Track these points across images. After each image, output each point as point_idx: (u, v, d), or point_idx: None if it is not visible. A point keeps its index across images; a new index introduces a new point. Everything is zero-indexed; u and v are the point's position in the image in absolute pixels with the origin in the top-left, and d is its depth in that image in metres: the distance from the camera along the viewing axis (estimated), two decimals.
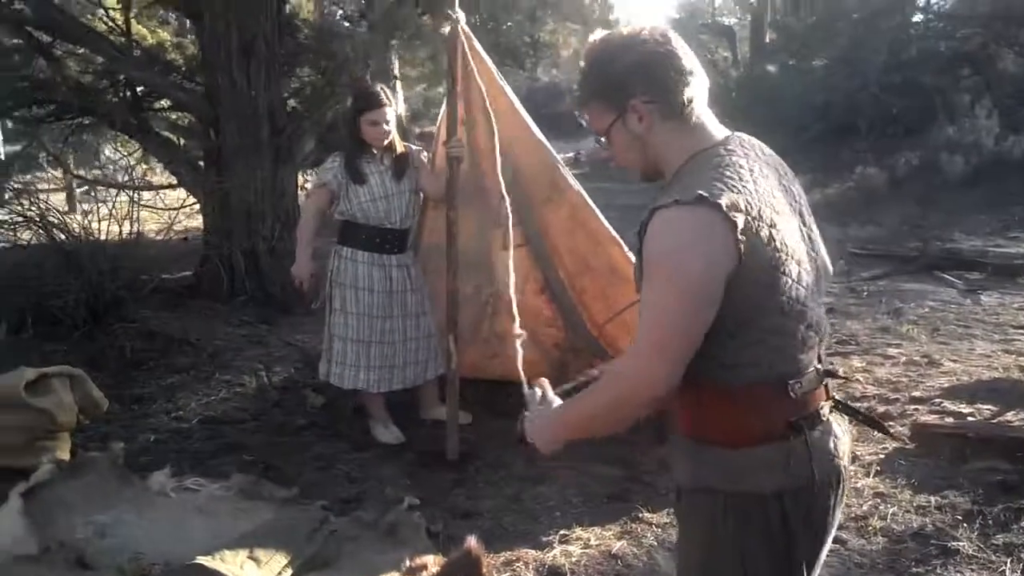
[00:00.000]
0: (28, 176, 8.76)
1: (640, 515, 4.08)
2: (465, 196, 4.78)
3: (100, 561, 3.75)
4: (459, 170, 4.69)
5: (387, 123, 4.78)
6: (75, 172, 9.08)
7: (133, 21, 9.31)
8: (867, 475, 4.35)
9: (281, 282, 7.68)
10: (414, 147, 5.11)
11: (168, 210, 8.27)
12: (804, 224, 1.95)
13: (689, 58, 1.92)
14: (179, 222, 8.67)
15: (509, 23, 12.84)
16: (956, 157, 13.04)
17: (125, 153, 11.01)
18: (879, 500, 4.12)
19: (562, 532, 3.96)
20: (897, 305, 7.56)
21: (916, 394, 5.42)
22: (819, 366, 1.94)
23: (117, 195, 7.26)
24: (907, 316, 7.19)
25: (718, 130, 1.97)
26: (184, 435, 5.14)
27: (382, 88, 4.93)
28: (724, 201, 1.74)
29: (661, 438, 4.86)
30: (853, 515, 3.97)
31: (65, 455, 4.65)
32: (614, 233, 4.86)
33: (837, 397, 2.02)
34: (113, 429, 5.14)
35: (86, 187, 10.96)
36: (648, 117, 1.92)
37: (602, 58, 1.97)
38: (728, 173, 1.83)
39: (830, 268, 2.06)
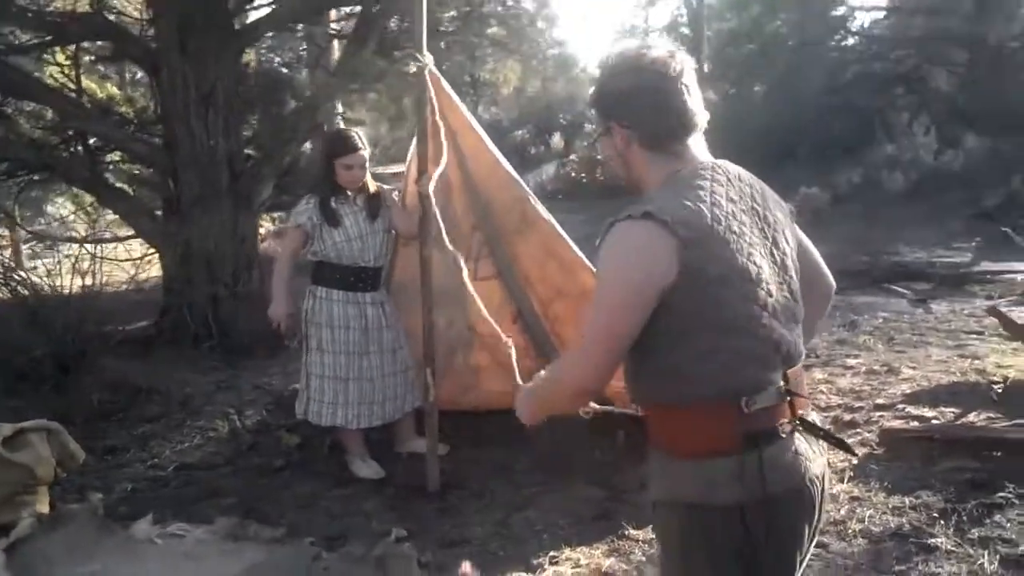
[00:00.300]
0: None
1: (626, 532, 4.15)
2: (435, 232, 4.84)
3: None
4: (431, 207, 4.75)
5: (362, 167, 4.85)
6: (28, 229, 8.99)
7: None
8: (841, 480, 4.46)
9: (245, 327, 7.71)
10: (386, 187, 5.16)
11: (131, 261, 8.24)
12: (778, 249, 2.04)
13: (682, 93, 2.00)
14: (135, 272, 8.63)
15: (447, 63, 13.01)
16: (896, 174, 13.44)
17: (74, 209, 10.99)
18: (855, 504, 4.23)
19: (551, 553, 4.01)
20: (852, 318, 7.76)
21: (879, 401, 5.57)
22: (782, 384, 1.98)
23: (79, 249, 7.21)
24: (862, 328, 7.38)
25: (701, 155, 2.06)
26: (161, 483, 5.12)
27: (356, 132, 5.01)
28: (669, 217, 1.86)
29: (641, 457, 4.96)
30: (832, 519, 4.07)
31: (44, 508, 4.61)
32: (585, 260, 4.94)
33: (805, 418, 2.03)
34: (89, 480, 5.10)
35: (32, 242, 10.87)
36: (625, 140, 2.05)
37: (603, 75, 2.10)
38: (688, 193, 1.93)
39: (830, 284, 2.30)
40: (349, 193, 4.92)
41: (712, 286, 1.88)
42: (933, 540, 3.80)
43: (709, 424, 1.95)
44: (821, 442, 2.08)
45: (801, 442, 2.00)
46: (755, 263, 1.95)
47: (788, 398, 1.99)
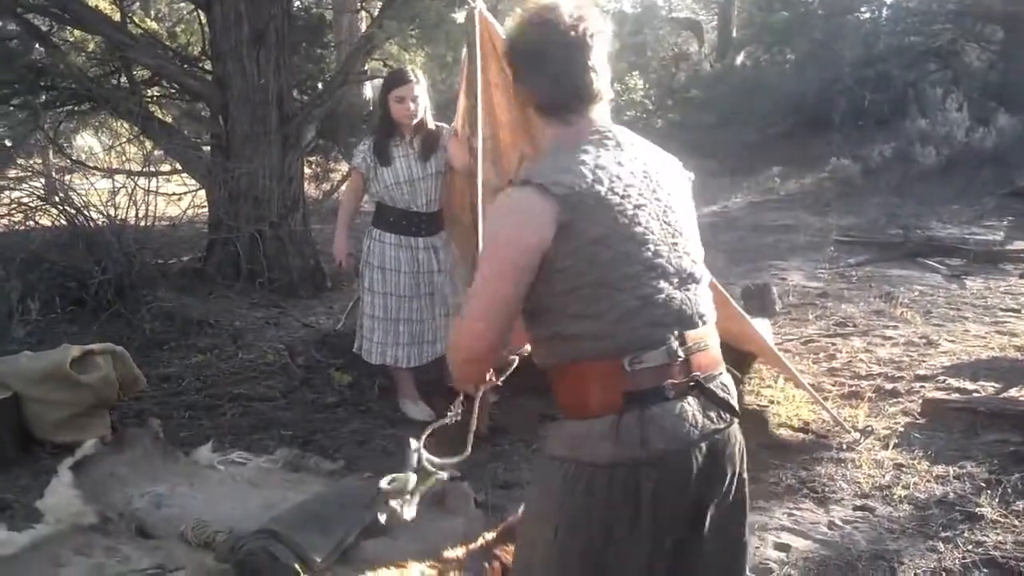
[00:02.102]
0: (35, 160, 8.76)
1: None
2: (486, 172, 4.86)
3: (161, 530, 3.85)
4: (477, 164, 4.69)
5: (413, 100, 4.82)
6: (73, 159, 9.06)
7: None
8: (884, 447, 4.55)
9: (290, 265, 7.83)
10: (445, 126, 5.11)
11: (183, 194, 8.34)
12: (673, 212, 2.06)
13: (585, 61, 2.00)
14: (178, 207, 8.74)
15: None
16: (929, 148, 13.38)
17: (111, 141, 11.04)
18: (899, 471, 4.31)
19: None
20: (888, 289, 7.81)
21: (920, 372, 5.64)
22: (675, 346, 1.96)
23: (126, 179, 7.30)
24: (899, 300, 7.43)
25: (599, 121, 2.07)
26: (218, 412, 5.25)
27: (411, 67, 5.08)
28: (546, 180, 1.91)
29: None
30: (877, 484, 4.18)
31: (105, 431, 4.75)
32: None
33: (703, 382, 2.01)
34: (147, 406, 5.25)
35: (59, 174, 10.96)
36: (526, 103, 2.09)
37: (513, 31, 2.10)
38: (571, 158, 1.97)
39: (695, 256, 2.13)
40: (405, 135, 4.93)
41: (591, 246, 1.91)
42: (979, 509, 3.88)
43: (591, 383, 1.96)
44: (727, 411, 2.06)
45: (693, 406, 1.98)
46: (641, 224, 1.98)
47: (681, 359, 1.97)
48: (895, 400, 5.22)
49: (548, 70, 2.01)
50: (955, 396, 5.12)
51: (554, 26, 1.98)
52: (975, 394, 5.18)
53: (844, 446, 4.60)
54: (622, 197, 1.97)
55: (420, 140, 4.95)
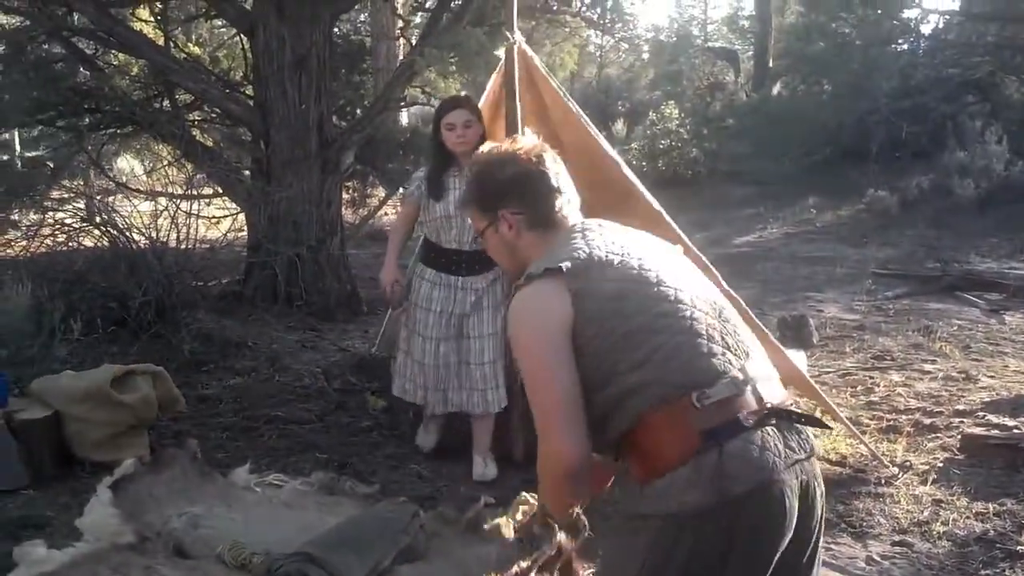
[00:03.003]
0: (78, 182, 8.91)
1: None
2: None
3: (198, 550, 3.87)
4: None
5: (466, 126, 4.57)
6: (118, 181, 9.21)
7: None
8: (923, 483, 4.52)
9: (327, 289, 7.89)
10: None
11: (225, 217, 8.45)
12: (673, 260, 2.15)
13: (558, 176, 2.21)
14: (217, 230, 8.84)
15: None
16: (967, 181, 13.29)
17: (150, 164, 11.20)
18: (938, 507, 4.28)
19: None
20: (926, 323, 7.76)
21: (959, 407, 5.60)
22: (737, 375, 1.93)
23: (168, 202, 7.40)
24: (937, 334, 7.38)
25: (576, 220, 2.24)
26: (255, 434, 5.27)
27: (465, 94, 5.02)
28: (548, 265, 2.00)
29: None
30: (915, 520, 4.15)
31: (144, 450, 4.79)
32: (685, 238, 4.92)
33: (780, 410, 1.97)
34: (184, 427, 5.28)
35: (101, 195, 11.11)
36: (515, 226, 2.18)
37: (483, 171, 2.24)
38: (565, 245, 2.09)
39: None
40: (464, 167, 4.55)
41: (612, 301, 1.95)
42: (1020, 548, 3.84)
43: (662, 434, 1.90)
44: (806, 442, 2.00)
45: (774, 436, 1.92)
46: (651, 271, 2.02)
47: (749, 387, 1.93)
48: (934, 435, 5.18)
49: (535, 186, 2.18)
50: (995, 432, 5.05)
51: (524, 153, 2.21)
52: (1015, 430, 5.11)
53: (882, 481, 4.57)
54: (623, 255, 2.05)
55: None
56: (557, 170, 2.21)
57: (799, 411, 2.02)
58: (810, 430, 2.06)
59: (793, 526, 1.94)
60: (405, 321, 4.86)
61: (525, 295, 2.02)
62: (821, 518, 2.06)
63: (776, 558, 1.94)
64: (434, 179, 4.71)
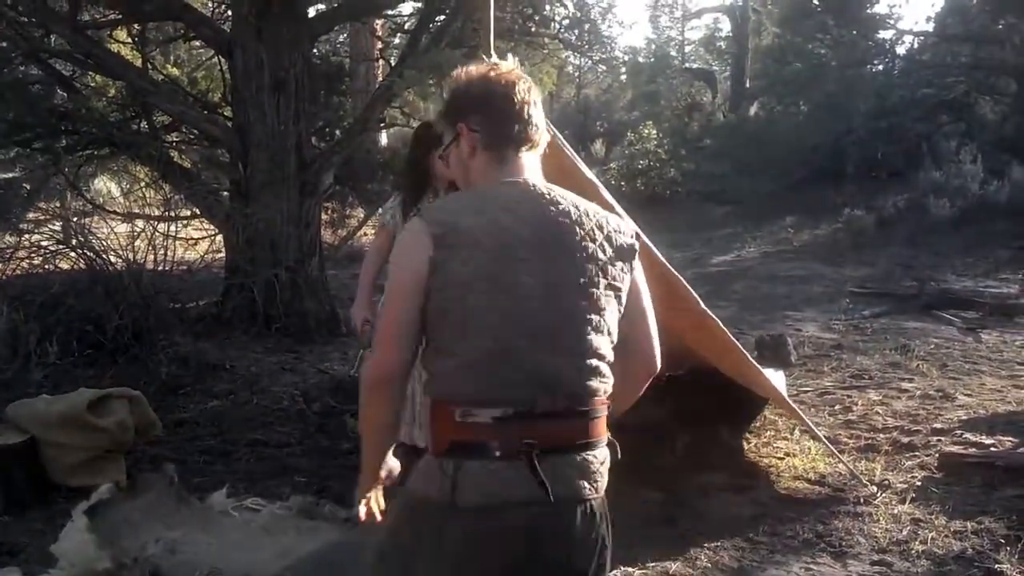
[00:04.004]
0: (55, 204, 8.87)
1: (690, 537, 4.24)
2: None
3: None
4: None
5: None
6: (95, 204, 9.16)
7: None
8: (902, 502, 4.52)
9: (305, 311, 7.87)
10: None
11: (203, 239, 8.42)
12: (568, 277, 2.01)
13: (524, 106, 2.10)
14: (194, 252, 8.81)
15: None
16: (943, 200, 13.41)
17: (127, 186, 11.16)
18: (917, 526, 4.28)
19: (618, 552, 4.09)
20: (903, 342, 7.80)
21: (936, 426, 5.62)
22: (513, 411, 1.93)
23: (145, 224, 7.38)
24: (915, 352, 7.42)
25: (528, 171, 2.11)
26: (233, 457, 5.24)
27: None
28: (431, 218, 2.01)
29: (701, 464, 5.07)
30: (894, 539, 4.15)
31: (120, 475, 4.75)
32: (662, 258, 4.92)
33: (544, 452, 1.93)
34: (162, 451, 5.23)
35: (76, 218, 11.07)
36: (472, 145, 2.11)
37: (457, 84, 2.19)
38: (474, 200, 2.07)
39: (647, 362, 2.21)
40: (441, 192, 4.49)
41: (459, 288, 1.94)
42: (998, 566, 3.85)
43: (433, 422, 2.00)
44: (569, 489, 1.98)
45: (519, 472, 1.91)
46: (522, 280, 1.96)
47: (519, 423, 1.93)
48: (912, 454, 5.20)
49: (498, 106, 2.09)
50: (972, 450, 5.09)
51: (498, 75, 2.12)
52: (992, 449, 5.15)
53: (861, 500, 4.58)
54: (510, 247, 1.97)
55: None
56: (526, 99, 2.11)
57: (561, 470, 1.97)
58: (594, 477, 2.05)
59: (515, 563, 1.97)
60: None
61: (409, 230, 2.05)
62: (566, 567, 2.03)
63: None
64: (411, 204, 4.53)
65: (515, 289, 1.95)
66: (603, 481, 2.09)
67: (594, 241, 2.05)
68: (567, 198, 2.09)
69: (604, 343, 2.05)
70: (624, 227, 2.16)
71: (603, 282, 2.05)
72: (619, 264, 2.09)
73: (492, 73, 2.14)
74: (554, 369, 1.97)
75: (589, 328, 2.02)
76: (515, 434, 1.93)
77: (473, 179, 2.14)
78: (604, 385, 2.06)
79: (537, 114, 2.13)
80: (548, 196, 2.06)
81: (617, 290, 2.08)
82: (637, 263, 2.15)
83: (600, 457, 2.07)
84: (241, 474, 4.97)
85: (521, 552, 1.97)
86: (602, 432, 2.09)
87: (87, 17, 8.89)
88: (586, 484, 2.02)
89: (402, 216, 4.57)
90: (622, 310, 2.11)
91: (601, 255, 2.06)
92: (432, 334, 1.99)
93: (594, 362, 2.03)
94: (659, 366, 2.26)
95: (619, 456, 2.13)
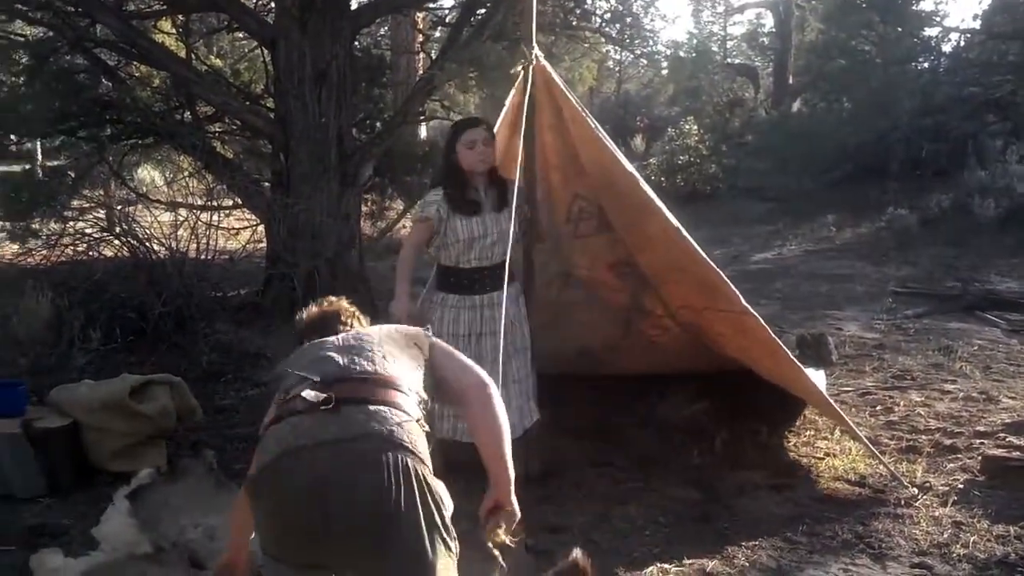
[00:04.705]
0: (99, 192, 8.96)
1: (727, 536, 4.22)
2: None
3: (213, 561, 3.89)
4: (536, 212, 4.77)
5: (485, 143, 4.48)
6: (138, 192, 9.27)
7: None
8: (943, 504, 4.47)
9: None
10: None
11: (245, 228, 8.50)
12: (355, 343, 2.63)
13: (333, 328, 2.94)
14: (236, 241, 8.88)
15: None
16: (988, 200, 13.19)
17: (169, 175, 11.26)
18: (958, 529, 4.23)
19: (654, 550, 4.09)
20: (946, 343, 7.70)
21: (979, 428, 5.54)
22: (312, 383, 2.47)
23: (188, 213, 7.44)
24: (958, 354, 7.32)
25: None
26: None
27: (478, 116, 4.98)
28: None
29: (738, 462, 5.04)
30: (935, 542, 4.10)
31: (161, 461, 4.81)
32: (703, 253, 4.85)
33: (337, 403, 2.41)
34: (202, 437, 5.29)
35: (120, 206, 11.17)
36: None
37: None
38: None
39: (474, 382, 2.68)
40: (479, 187, 4.57)
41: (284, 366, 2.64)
42: None
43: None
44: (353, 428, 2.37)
45: (314, 418, 2.37)
46: (323, 344, 2.64)
47: (317, 386, 2.43)
48: (954, 456, 5.13)
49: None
50: (1016, 454, 5.00)
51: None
52: None
53: (902, 502, 4.53)
54: (315, 344, 2.68)
55: (494, 192, 4.58)
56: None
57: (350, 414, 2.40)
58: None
59: (312, 501, 2.30)
60: None
61: None
62: (374, 500, 2.30)
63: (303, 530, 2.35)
64: (457, 198, 4.56)
65: (322, 346, 2.67)
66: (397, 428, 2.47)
67: (382, 337, 2.70)
68: (359, 332, 2.82)
69: (384, 369, 2.60)
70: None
71: (377, 346, 2.69)
72: (404, 343, 2.77)
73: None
74: (333, 368, 2.57)
75: (364, 348, 2.65)
76: (315, 396, 2.43)
77: None
78: (370, 371, 2.60)
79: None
80: (352, 334, 2.78)
81: (399, 352, 2.71)
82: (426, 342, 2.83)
83: (392, 415, 2.45)
84: None
85: (320, 484, 2.35)
86: (390, 399, 2.52)
87: (132, 7, 8.99)
88: (377, 426, 2.40)
89: (448, 209, 4.55)
90: None
91: (386, 341, 2.71)
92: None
93: (362, 365, 2.62)
94: None
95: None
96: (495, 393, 2.65)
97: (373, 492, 2.28)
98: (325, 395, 2.39)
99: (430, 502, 2.35)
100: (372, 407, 2.40)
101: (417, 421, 2.47)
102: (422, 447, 2.42)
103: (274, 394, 2.59)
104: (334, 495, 2.28)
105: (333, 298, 3.06)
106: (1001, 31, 17.32)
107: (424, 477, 2.36)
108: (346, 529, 2.29)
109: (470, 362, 2.77)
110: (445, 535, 2.40)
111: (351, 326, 2.92)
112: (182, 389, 5.00)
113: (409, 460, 2.34)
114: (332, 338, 2.70)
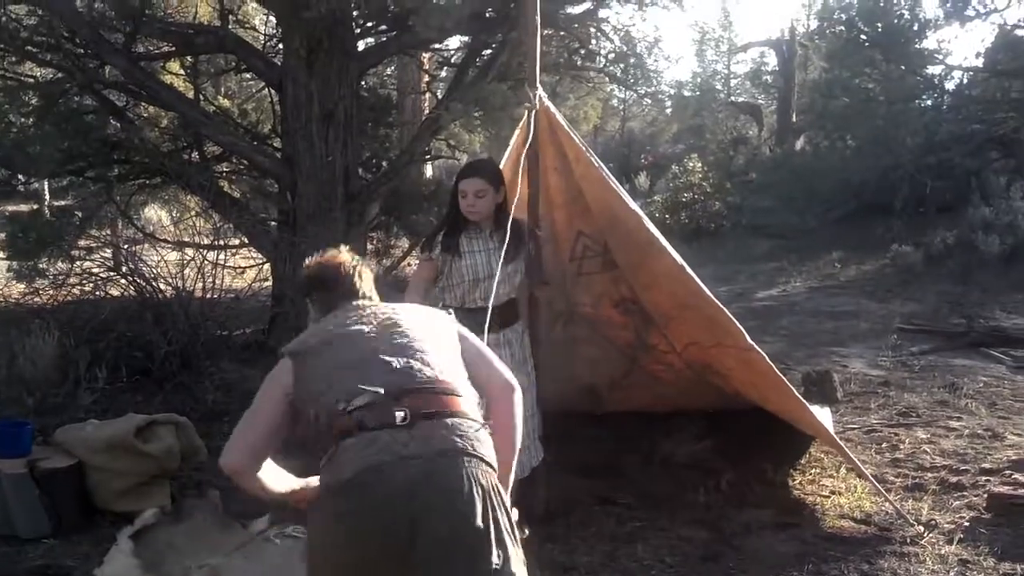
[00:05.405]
0: (106, 231, 9.02)
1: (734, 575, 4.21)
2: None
3: None
4: (540, 248, 4.71)
5: (477, 195, 4.37)
6: (145, 232, 9.32)
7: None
8: (949, 542, 4.46)
9: None
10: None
11: (251, 267, 8.53)
12: (395, 332, 2.63)
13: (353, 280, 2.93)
14: (242, 280, 8.92)
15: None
16: (992, 237, 13.21)
17: (176, 215, 11.32)
18: (964, 567, 4.22)
19: None
20: (951, 380, 7.68)
21: (985, 465, 5.52)
22: (381, 390, 2.45)
23: (195, 252, 7.48)
24: (963, 390, 7.31)
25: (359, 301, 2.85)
26: None
27: (486, 160, 4.97)
28: (287, 348, 2.71)
29: (745, 501, 5.03)
30: None
31: (165, 501, 4.81)
32: (708, 291, 4.86)
33: (413, 418, 2.43)
34: (206, 477, 5.27)
35: (127, 246, 11.20)
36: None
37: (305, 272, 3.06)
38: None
39: (502, 385, 2.70)
40: (484, 229, 4.49)
41: (320, 346, 2.63)
42: None
43: (316, 430, 2.52)
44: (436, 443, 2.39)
45: (392, 436, 2.37)
46: (360, 336, 2.60)
47: (386, 396, 2.42)
48: (960, 494, 5.12)
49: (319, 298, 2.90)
50: (1022, 491, 4.99)
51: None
52: None
53: (907, 540, 4.51)
54: (346, 325, 2.66)
55: (503, 235, 4.26)
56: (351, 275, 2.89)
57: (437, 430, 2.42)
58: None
59: (401, 516, 2.30)
60: None
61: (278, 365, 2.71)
62: (457, 516, 2.32)
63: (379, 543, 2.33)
64: (448, 241, 4.52)
65: (360, 336, 2.62)
66: (473, 442, 2.50)
67: (415, 317, 2.75)
68: (385, 309, 2.78)
69: (439, 362, 2.63)
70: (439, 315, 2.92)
71: (430, 331, 2.73)
72: (440, 326, 2.82)
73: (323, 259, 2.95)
74: (395, 370, 2.57)
75: (418, 349, 2.62)
76: (388, 407, 2.44)
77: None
78: (439, 378, 2.59)
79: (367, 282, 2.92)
80: (374, 305, 2.81)
81: (439, 334, 2.76)
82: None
83: (467, 426, 2.49)
84: (283, 501, 4.96)
85: (408, 498, 2.36)
86: (460, 410, 2.54)
87: (141, 49, 9.09)
88: (458, 440, 2.43)
89: (446, 250, 4.50)
90: None
91: (423, 323, 2.76)
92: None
93: (423, 368, 2.59)
94: None
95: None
96: (519, 399, 2.68)
97: (460, 507, 2.31)
98: (402, 412, 2.38)
99: (505, 511, 2.40)
100: (447, 420, 2.41)
101: (483, 425, 2.50)
102: (492, 455, 2.47)
103: (305, 388, 2.56)
104: (420, 510, 2.29)
105: (334, 250, 3.02)
106: (1004, 68, 17.37)
107: (498, 488, 2.41)
108: (431, 543, 2.29)
109: (498, 360, 2.78)
110: (515, 539, 2.43)
111: (357, 280, 2.87)
112: (187, 429, 5.01)
113: (487, 473, 2.39)
114: (363, 326, 2.64)
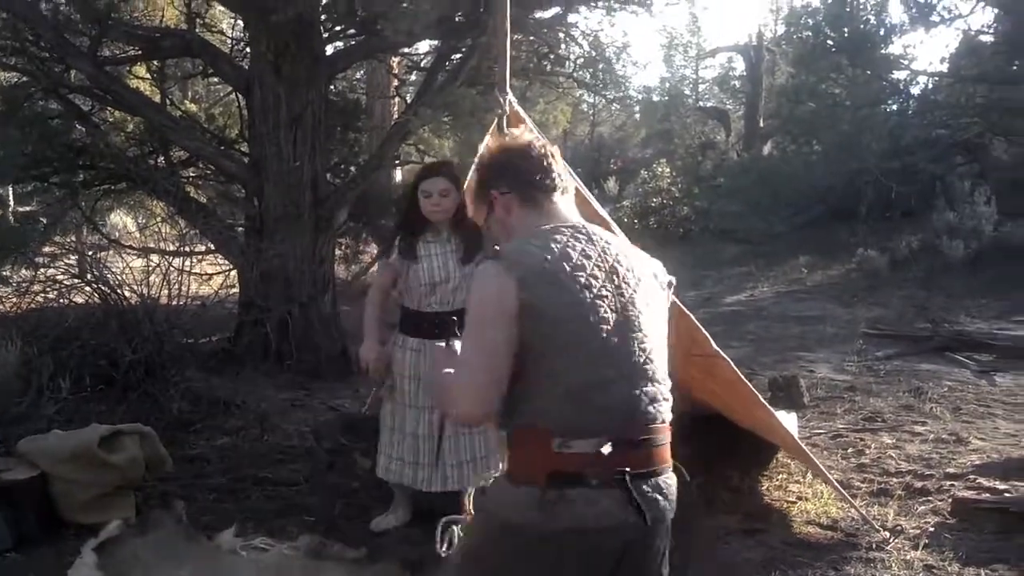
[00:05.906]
0: (71, 238, 8.90)
1: None
2: None
3: None
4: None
5: (442, 194, 4.39)
6: (111, 238, 9.23)
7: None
8: (914, 547, 4.48)
9: (317, 347, 7.88)
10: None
11: (218, 274, 8.47)
12: (633, 307, 2.21)
13: (546, 159, 2.36)
14: (208, 287, 8.84)
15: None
16: (956, 242, 13.37)
17: (143, 221, 11.23)
18: (929, 572, 4.25)
19: None
20: (917, 384, 7.76)
21: (950, 470, 5.58)
22: (607, 440, 2.09)
23: (160, 259, 7.40)
24: (928, 395, 7.38)
25: (569, 215, 2.36)
26: (242, 495, 5.22)
27: (449, 162, 4.96)
28: (511, 259, 2.16)
29: (714, 509, 5.03)
30: None
31: (130, 512, 4.75)
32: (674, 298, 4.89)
33: (632, 478, 2.11)
34: (171, 488, 5.23)
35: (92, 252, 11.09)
36: (505, 206, 2.35)
37: (482, 158, 2.51)
38: (539, 242, 2.21)
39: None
40: (442, 232, 4.51)
41: (549, 326, 2.10)
42: None
43: (525, 454, 2.14)
44: (652, 509, 2.14)
45: (613, 498, 2.09)
46: (599, 314, 2.14)
47: (611, 451, 2.09)
48: (925, 499, 5.16)
49: (522, 167, 2.35)
50: (986, 496, 5.02)
51: (516, 142, 2.44)
52: (1007, 494, 5.08)
53: (873, 545, 4.54)
54: (583, 286, 2.15)
55: (461, 238, 4.49)
56: (542, 153, 2.38)
57: (647, 494, 2.15)
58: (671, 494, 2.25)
59: None
60: (389, 396, 4.66)
61: (489, 267, 2.18)
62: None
63: None
64: (406, 244, 4.54)
65: (599, 325, 2.13)
66: (675, 502, 2.27)
67: (643, 277, 2.29)
68: (613, 239, 2.32)
69: (664, 370, 2.28)
70: (657, 263, 2.43)
71: (656, 313, 2.29)
72: (661, 296, 2.35)
73: (509, 142, 2.45)
74: (634, 399, 2.17)
75: (655, 357, 2.24)
76: (610, 463, 2.10)
77: (517, 233, 2.34)
78: (668, 411, 2.27)
79: (558, 165, 2.39)
80: (598, 236, 2.28)
81: (663, 320, 2.33)
82: (670, 295, 2.42)
83: (672, 480, 2.26)
84: (250, 512, 4.94)
85: (607, 571, 2.15)
86: (670, 456, 2.28)
87: (107, 53, 9.01)
88: (667, 505, 2.22)
89: (402, 252, 4.53)
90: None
91: (650, 289, 2.30)
92: (522, 369, 2.12)
93: (661, 389, 2.25)
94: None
95: (687, 479, 2.34)
96: None
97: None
98: (619, 473, 2.10)
99: None
100: (663, 479, 2.22)
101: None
102: None
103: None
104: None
105: (515, 131, 2.78)
106: (968, 74, 17.57)
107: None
108: None
109: None
110: None
111: (553, 163, 2.38)
112: (152, 439, 4.95)
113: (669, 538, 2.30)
114: (598, 281, 2.18)
